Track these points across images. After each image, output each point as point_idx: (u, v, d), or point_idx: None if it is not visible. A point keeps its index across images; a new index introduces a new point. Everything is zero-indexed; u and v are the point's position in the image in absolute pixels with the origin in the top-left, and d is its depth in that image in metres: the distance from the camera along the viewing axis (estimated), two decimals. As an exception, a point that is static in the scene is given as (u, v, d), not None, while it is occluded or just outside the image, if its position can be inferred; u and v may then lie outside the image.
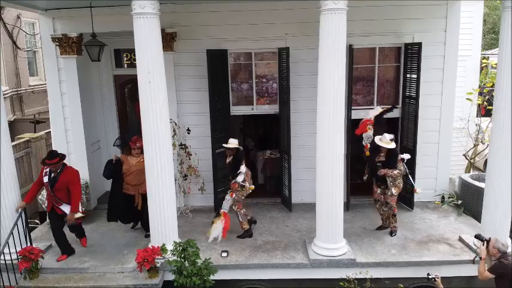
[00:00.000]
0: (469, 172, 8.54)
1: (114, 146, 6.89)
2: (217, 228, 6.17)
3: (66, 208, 5.85)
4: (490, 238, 4.93)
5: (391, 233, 6.49)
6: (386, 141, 6.12)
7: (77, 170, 5.98)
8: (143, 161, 6.12)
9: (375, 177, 6.39)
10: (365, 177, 6.70)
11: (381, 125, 7.03)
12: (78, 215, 5.86)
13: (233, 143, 6.34)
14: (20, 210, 5.80)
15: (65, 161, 5.92)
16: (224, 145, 6.39)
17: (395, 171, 6.12)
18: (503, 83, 5.36)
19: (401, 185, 6.33)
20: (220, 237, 6.15)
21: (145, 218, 6.29)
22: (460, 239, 6.25)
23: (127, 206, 6.53)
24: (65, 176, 5.77)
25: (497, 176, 5.61)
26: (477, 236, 5.24)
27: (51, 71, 7.37)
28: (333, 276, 5.60)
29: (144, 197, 6.16)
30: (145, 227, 6.42)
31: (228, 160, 6.47)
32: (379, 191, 6.45)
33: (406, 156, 6.25)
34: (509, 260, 4.73)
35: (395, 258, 5.84)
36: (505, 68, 5.32)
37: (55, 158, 5.68)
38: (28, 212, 5.99)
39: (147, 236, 6.31)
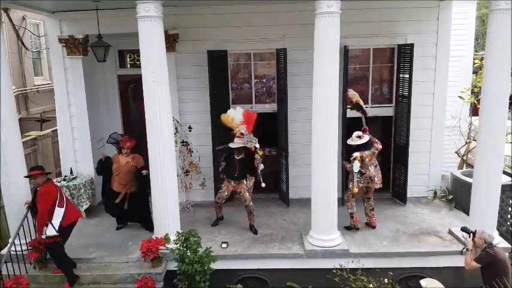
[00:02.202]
0: (461, 169, 8.79)
1: (107, 143, 6.97)
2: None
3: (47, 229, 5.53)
4: (475, 230, 5.22)
5: (348, 227, 6.68)
6: (354, 139, 6.43)
7: (54, 189, 5.59)
8: (131, 161, 6.51)
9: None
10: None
11: (377, 122, 7.34)
12: (52, 233, 5.45)
13: (238, 142, 6.50)
14: (26, 206, 5.93)
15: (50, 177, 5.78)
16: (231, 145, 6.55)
17: (348, 165, 6.44)
18: (489, 81, 5.63)
19: (356, 184, 6.33)
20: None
21: (144, 217, 6.70)
22: (450, 232, 6.51)
23: (117, 203, 6.68)
24: (41, 190, 5.48)
25: (484, 170, 5.87)
26: (463, 229, 5.53)
27: (57, 71, 7.65)
28: (327, 266, 5.86)
29: (131, 196, 6.55)
30: (147, 226, 6.64)
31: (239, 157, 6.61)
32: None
33: (355, 154, 6.29)
34: (494, 250, 5.01)
35: (386, 249, 6.11)
36: (491, 65, 5.58)
37: (34, 170, 5.59)
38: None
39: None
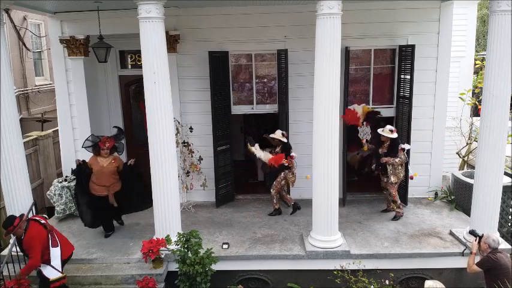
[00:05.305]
0: (462, 169, 8.80)
1: (82, 147, 6.62)
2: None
3: (45, 270, 5.15)
4: (483, 234, 5.20)
5: (394, 217, 7.04)
6: (387, 131, 6.74)
7: (41, 228, 5.19)
8: (114, 162, 6.42)
9: (380, 166, 6.92)
10: (373, 166, 7.13)
11: (376, 123, 7.34)
12: (56, 275, 5.11)
13: (278, 134, 7.11)
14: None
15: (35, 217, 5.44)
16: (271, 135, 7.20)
17: (397, 159, 6.70)
18: (490, 82, 5.63)
19: (401, 175, 6.83)
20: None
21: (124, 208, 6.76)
22: (451, 233, 6.51)
23: (100, 208, 6.53)
24: (26, 237, 5.09)
25: (485, 171, 5.86)
26: (471, 232, 5.54)
27: (59, 72, 7.67)
28: (328, 267, 5.88)
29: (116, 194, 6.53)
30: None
31: (276, 150, 7.20)
32: (384, 179, 6.99)
33: (407, 146, 6.86)
34: (497, 256, 4.95)
35: (387, 250, 6.10)
36: (492, 66, 5.57)
37: (9, 226, 5.04)
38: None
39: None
